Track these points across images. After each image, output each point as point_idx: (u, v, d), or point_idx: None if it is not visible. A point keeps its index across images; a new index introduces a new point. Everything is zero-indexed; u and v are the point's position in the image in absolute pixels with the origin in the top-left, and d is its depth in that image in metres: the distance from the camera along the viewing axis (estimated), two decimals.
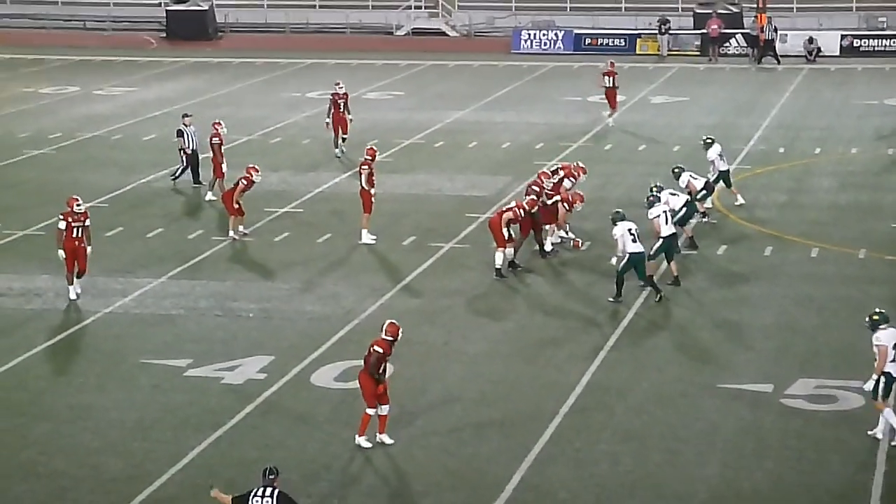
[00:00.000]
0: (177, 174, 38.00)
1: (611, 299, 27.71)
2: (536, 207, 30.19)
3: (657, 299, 27.82)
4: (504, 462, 20.77)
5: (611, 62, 47.42)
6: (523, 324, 27.05)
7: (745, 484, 20.05)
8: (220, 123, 36.97)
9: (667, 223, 28.38)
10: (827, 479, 20.21)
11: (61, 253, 28.25)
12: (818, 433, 21.67)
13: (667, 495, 19.79)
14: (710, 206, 34.13)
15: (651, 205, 28.68)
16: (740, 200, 34.90)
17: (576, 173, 32.61)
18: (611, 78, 45.88)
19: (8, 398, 23.54)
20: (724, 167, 34.70)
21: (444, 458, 21.00)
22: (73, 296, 28.26)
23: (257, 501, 17.08)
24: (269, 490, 17.14)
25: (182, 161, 37.94)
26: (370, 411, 21.14)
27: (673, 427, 21.94)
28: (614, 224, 27.81)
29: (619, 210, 28.49)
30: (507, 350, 25.57)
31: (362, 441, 21.26)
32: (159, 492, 20.04)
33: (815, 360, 24.83)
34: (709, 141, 34.91)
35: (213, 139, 36.30)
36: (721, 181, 34.65)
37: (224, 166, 36.15)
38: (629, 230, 27.57)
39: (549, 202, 30.62)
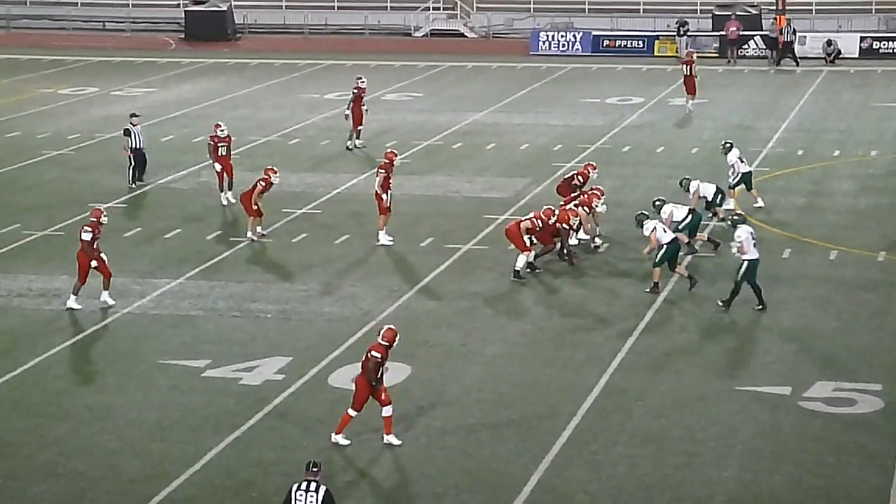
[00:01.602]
0: (131, 176, 38.14)
1: (757, 307, 27.22)
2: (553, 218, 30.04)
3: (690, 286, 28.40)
4: (522, 464, 20.77)
5: (688, 51, 52.84)
6: (541, 325, 27.05)
7: (763, 487, 20.02)
8: (218, 125, 37.01)
9: (664, 232, 28.44)
10: (845, 482, 20.16)
11: (94, 263, 27.82)
12: (837, 436, 21.62)
13: (685, 498, 19.77)
14: (732, 207, 34.09)
15: (640, 223, 28.75)
16: (760, 203, 34.86)
17: (587, 171, 32.92)
18: (688, 66, 48.45)
19: (27, 399, 23.61)
20: (745, 169, 34.70)
21: (462, 459, 21.01)
22: (74, 305, 27.99)
23: (301, 495, 17.06)
24: (313, 484, 17.11)
25: (129, 160, 38.01)
26: (352, 413, 21.23)
27: (691, 430, 21.91)
28: (734, 227, 27.48)
29: (741, 213, 28.21)
30: (525, 352, 25.58)
31: (340, 439, 21.33)
32: (177, 492, 20.07)
33: (833, 363, 24.78)
34: (727, 145, 34.94)
35: (210, 141, 36.50)
36: (742, 183, 34.63)
37: (217, 166, 36.23)
38: (751, 234, 27.32)
39: (550, 221, 30.18)
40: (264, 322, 27.30)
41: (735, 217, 28.07)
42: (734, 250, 27.30)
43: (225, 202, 35.96)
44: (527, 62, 62.59)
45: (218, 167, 36.28)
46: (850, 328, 26.63)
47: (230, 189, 36.27)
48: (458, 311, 27.82)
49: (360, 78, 43.35)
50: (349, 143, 42.57)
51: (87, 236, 27.99)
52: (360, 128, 42.65)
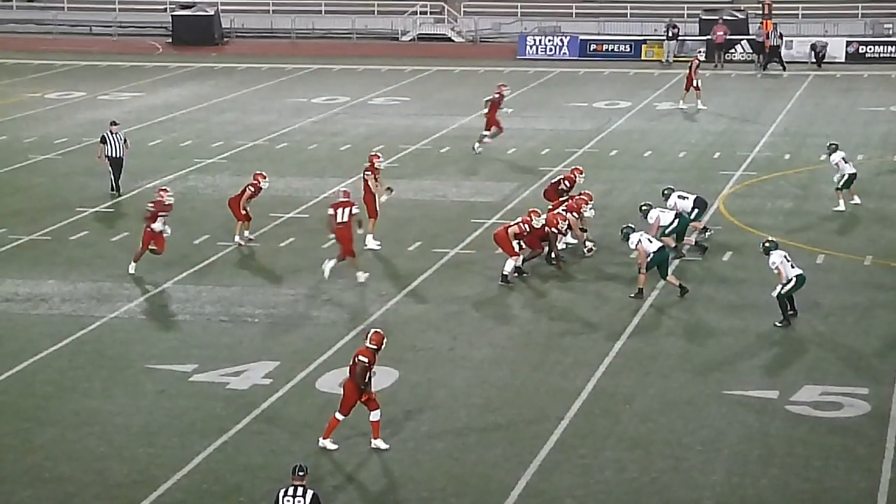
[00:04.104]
0: (113, 184, 37.73)
1: (778, 324, 26.76)
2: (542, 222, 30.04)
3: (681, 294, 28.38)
4: (509, 468, 20.77)
5: (697, 52, 55.16)
6: (529, 329, 27.05)
7: (750, 491, 20.04)
8: (165, 190, 31.18)
9: (650, 242, 28.40)
10: (833, 486, 20.19)
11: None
12: (824, 440, 21.65)
13: (672, 502, 19.77)
14: (843, 208, 35.00)
15: (626, 236, 28.66)
16: (857, 201, 35.57)
17: (573, 176, 32.96)
18: (691, 69, 50.29)
19: (14, 403, 23.55)
20: (850, 170, 35.33)
21: (450, 463, 21.00)
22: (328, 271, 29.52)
23: (288, 500, 17.05)
24: (300, 489, 17.11)
25: (110, 168, 37.71)
26: (340, 417, 21.23)
27: (678, 434, 21.93)
28: (768, 254, 27.02)
29: (772, 239, 27.83)
30: (513, 356, 25.57)
31: (328, 444, 21.31)
32: (165, 497, 20.04)
33: (820, 367, 24.82)
34: (832, 146, 35.86)
35: (151, 207, 30.61)
36: (849, 184, 35.35)
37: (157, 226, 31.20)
38: (785, 256, 26.95)
39: (538, 225, 30.14)
40: (252, 326, 27.27)
41: (767, 244, 27.39)
42: (775, 292, 26.90)
43: (132, 271, 30.48)
44: (514, 66, 62.64)
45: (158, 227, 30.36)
46: (836, 332, 26.67)
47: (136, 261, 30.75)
48: (445, 315, 27.82)
49: (504, 85, 43.99)
50: (483, 142, 42.52)
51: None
52: (492, 130, 42.61)
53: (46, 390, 24.11)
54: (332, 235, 30.01)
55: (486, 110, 42.90)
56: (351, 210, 29.52)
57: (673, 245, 30.40)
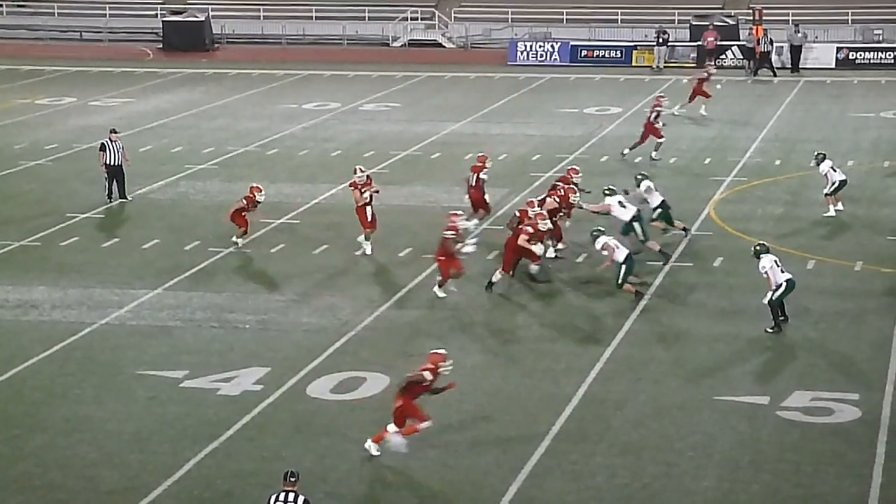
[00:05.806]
0: (108, 191, 37.61)
1: (770, 329, 26.71)
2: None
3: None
4: (500, 475, 20.75)
5: (709, 65, 54.49)
6: (520, 336, 27.04)
7: (741, 496, 20.04)
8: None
9: (618, 247, 28.46)
10: (823, 491, 20.20)
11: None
12: (815, 446, 21.67)
13: None
14: (833, 214, 35.15)
15: (595, 239, 28.70)
16: (840, 208, 35.39)
17: (569, 176, 33.13)
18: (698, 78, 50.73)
19: (4, 410, 23.50)
20: (840, 177, 35.38)
21: (441, 470, 20.98)
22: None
23: None
24: (291, 495, 17.11)
25: (105, 176, 37.66)
26: (423, 425, 21.11)
27: (670, 439, 21.94)
28: (758, 257, 27.04)
29: (763, 243, 27.81)
30: (504, 362, 25.56)
31: (373, 448, 21.26)
32: (155, 503, 20.01)
33: (811, 373, 24.84)
34: (820, 156, 35.86)
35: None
36: (839, 191, 35.40)
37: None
38: (775, 261, 26.99)
39: (544, 228, 30.15)
40: (242, 332, 27.25)
41: (758, 247, 27.44)
42: (765, 299, 26.99)
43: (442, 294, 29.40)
44: (505, 72, 62.68)
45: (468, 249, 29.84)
46: (827, 337, 26.70)
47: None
48: (436, 321, 27.81)
49: (663, 96, 44.26)
50: (654, 154, 42.27)
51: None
52: (647, 139, 42.41)
53: (37, 397, 24.07)
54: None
55: (657, 123, 42.38)
56: (479, 175, 33.85)
57: (658, 249, 30.60)
